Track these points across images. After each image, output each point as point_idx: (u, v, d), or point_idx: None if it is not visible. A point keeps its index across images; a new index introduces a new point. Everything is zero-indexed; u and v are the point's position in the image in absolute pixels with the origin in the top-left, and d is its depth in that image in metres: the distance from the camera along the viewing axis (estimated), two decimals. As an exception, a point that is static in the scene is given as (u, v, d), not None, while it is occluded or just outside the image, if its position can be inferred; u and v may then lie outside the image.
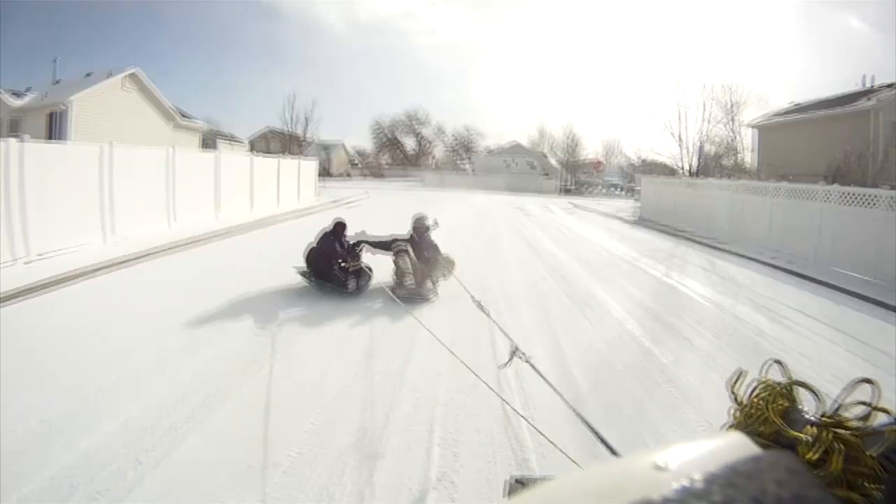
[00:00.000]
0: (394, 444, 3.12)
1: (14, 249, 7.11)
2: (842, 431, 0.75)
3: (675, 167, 28.87)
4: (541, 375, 2.98)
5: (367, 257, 6.91)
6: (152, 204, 10.35)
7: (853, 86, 23.69)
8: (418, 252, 6.64)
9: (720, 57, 61.14)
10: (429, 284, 6.44)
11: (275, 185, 15.89)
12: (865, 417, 0.76)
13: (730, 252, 11.72)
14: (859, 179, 18.42)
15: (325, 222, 7.09)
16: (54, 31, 54.15)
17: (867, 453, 0.73)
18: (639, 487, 0.27)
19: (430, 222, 7.23)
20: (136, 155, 10.07)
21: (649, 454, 0.31)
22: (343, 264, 6.41)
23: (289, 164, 17.73)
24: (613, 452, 1.68)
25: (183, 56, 59.65)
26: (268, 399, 3.60)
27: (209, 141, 24.92)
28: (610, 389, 4.03)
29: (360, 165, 55.47)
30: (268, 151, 26.02)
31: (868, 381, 0.78)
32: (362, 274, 6.56)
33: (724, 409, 0.92)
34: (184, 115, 22.21)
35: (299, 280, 6.68)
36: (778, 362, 0.92)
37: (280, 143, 45.82)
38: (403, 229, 7.24)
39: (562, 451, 2.45)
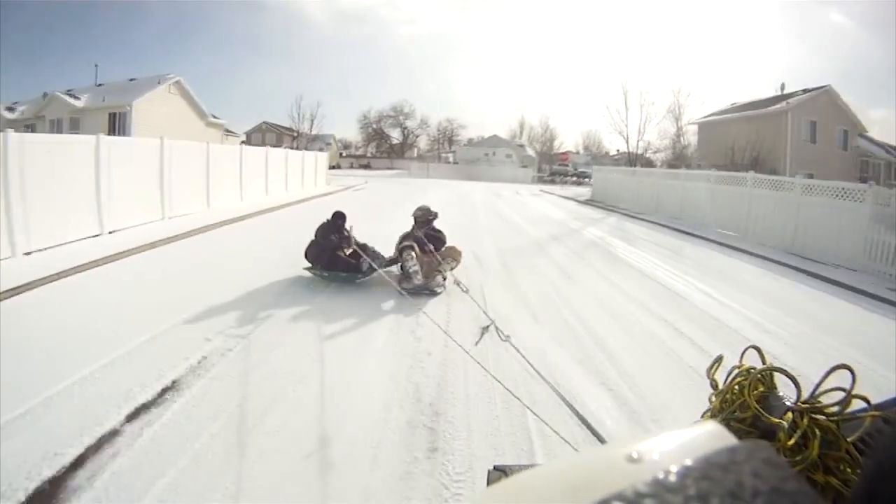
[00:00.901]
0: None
1: (102, 225, 8.78)
2: (819, 417, 0.76)
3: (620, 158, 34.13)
4: (524, 357, 3.38)
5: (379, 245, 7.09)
6: (197, 188, 12.34)
7: (772, 90, 28.24)
8: (422, 245, 6.57)
9: (681, 59, 66.00)
10: (438, 278, 6.28)
11: (300, 173, 19.76)
12: (843, 403, 0.77)
13: (639, 218, 15.99)
14: (772, 168, 22.96)
15: (341, 201, 10.37)
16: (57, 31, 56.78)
17: (845, 439, 0.75)
18: (611, 480, 0.27)
19: (432, 214, 7.14)
20: (184, 148, 11.99)
21: (623, 445, 0.31)
22: (345, 252, 6.45)
23: (310, 156, 21.67)
24: (598, 438, 1.84)
25: (171, 50, 61.69)
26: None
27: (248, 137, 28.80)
28: (516, 252, 8.14)
29: (345, 156, 59.00)
30: (262, 144, 29.68)
31: (846, 367, 0.79)
32: (362, 259, 6.44)
33: (557, 257, 3.95)
34: (213, 116, 26.00)
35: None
36: (756, 349, 0.94)
37: (275, 136, 49.59)
38: (402, 204, 10.61)
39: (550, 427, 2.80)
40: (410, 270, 6.07)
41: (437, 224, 7.17)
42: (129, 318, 4.77)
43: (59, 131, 20.07)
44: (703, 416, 0.92)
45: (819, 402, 0.79)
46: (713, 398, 0.93)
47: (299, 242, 6.82)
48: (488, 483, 0.92)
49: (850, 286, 8.05)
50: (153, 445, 2.83)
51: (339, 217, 6.77)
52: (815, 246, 10.35)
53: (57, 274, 6.21)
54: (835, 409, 0.77)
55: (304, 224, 7.80)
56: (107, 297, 5.56)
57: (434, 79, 75.16)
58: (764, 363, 0.89)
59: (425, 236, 6.71)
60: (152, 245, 8.48)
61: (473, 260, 7.79)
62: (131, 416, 3.11)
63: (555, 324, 5.26)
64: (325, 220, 6.75)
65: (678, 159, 31.05)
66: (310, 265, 6.48)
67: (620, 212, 17.88)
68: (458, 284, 5.84)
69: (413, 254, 6.20)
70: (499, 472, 0.91)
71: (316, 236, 6.58)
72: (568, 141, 58.37)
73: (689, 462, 0.27)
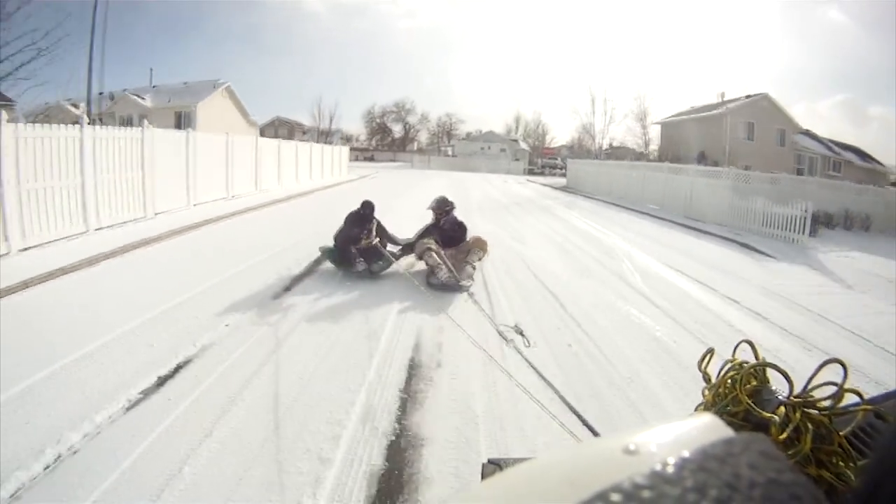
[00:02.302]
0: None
1: (189, 198, 11.14)
2: (812, 411, 0.78)
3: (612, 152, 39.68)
4: (533, 368, 3.67)
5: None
6: (248, 174, 14.88)
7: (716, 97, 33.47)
8: (444, 239, 6.41)
9: (658, 63, 71.17)
10: (468, 269, 6.12)
11: (329, 163, 24.66)
12: (835, 398, 0.78)
13: (592, 198, 21.15)
14: (714, 161, 28.02)
15: (362, 186, 14.81)
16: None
17: (837, 433, 0.76)
18: (608, 472, 0.27)
19: (449, 205, 6.98)
20: (241, 141, 14.58)
21: (619, 437, 0.31)
22: (359, 245, 6.29)
23: (333, 149, 26.64)
24: (593, 431, 1.92)
25: (174, 48, 65.07)
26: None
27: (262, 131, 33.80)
28: (492, 209, 13.24)
29: (350, 149, 64.21)
30: (276, 137, 34.45)
31: (839, 362, 0.80)
32: (375, 255, 6.32)
33: (515, 211, 8.54)
34: (251, 115, 31.16)
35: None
36: (749, 343, 0.95)
37: (287, 130, 54.48)
38: (412, 189, 15.52)
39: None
40: (436, 271, 5.91)
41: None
42: (262, 243, 9.75)
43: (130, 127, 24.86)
44: (695, 410, 0.97)
45: (811, 396, 0.81)
46: (706, 392, 0.94)
47: (336, 213, 7.85)
48: (483, 477, 0.91)
49: (709, 232, 13.09)
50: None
51: (366, 207, 6.70)
52: (700, 211, 15.41)
53: (186, 227, 9.28)
54: (827, 403, 0.78)
55: (338, 203, 11.92)
56: (234, 237, 10.42)
57: (434, 74, 79.23)
58: (757, 358, 0.90)
59: (447, 231, 6.62)
60: (233, 214, 11.34)
61: (465, 212, 12.83)
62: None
63: (505, 229, 10.40)
64: (353, 210, 6.72)
65: (642, 155, 36.20)
66: (327, 248, 6.53)
67: (582, 194, 23.01)
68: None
69: (433, 254, 6.04)
70: (493, 466, 0.91)
71: (344, 223, 6.58)
72: (562, 135, 63.50)
73: (686, 454, 0.28)
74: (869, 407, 0.79)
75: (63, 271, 5.83)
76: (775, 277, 8.36)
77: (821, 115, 53.66)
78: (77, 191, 7.63)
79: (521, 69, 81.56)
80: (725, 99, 32.00)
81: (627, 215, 15.75)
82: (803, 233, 12.09)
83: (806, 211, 12.15)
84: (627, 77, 78.22)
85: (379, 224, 6.80)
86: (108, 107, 27.38)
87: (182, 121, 25.06)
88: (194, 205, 11.53)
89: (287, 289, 5.82)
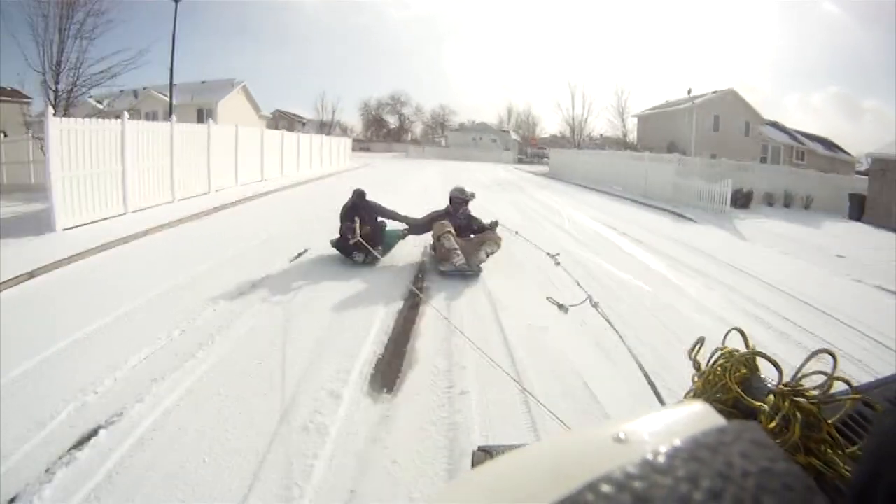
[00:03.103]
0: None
1: (210, 184, 12.34)
2: (801, 400, 0.79)
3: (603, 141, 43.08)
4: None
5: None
6: (275, 162, 17.48)
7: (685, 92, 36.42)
8: (458, 227, 6.46)
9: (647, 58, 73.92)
10: (482, 255, 6.17)
11: (335, 153, 27.34)
12: (824, 387, 0.79)
13: (569, 183, 23.99)
14: (682, 150, 30.92)
15: (365, 173, 17.84)
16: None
17: (826, 421, 0.77)
18: (598, 461, 0.27)
19: (467, 195, 7.06)
20: (269, 134, 17.35)
21: (609, 425, 0.31)
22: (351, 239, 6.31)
23: (338, 140, 29.35)
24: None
25: (179, 42, 66.52)
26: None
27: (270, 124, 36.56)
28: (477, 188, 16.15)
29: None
30: (276, 129, 37.23)
31: (828, 352, 0.81)
32: (372, 243, 6.41)
33: (496, 190, 11.23)
34: (260, 108, 33.87)
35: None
36: (740, 332, 0.96)
37: (287, 122, 57.01)
38: (410, 175, 18.95)
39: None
40: (451, 256, 5.99)
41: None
42: (298, 210, 12.59)
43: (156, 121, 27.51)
44: (685, 397, 0.98)
45: (800, 385, 0.82)
46: (695, 379, 0.95)
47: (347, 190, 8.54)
48: (473, 464, 0.91)
49: (653, 206, 15.95)
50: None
51: (357, 196, 6.79)
52: (654, 191, 18.28)
53: (242, 199, 13.88)
54: (816, 392, 0.79)
55: (345, 184, 15.40)
56: (282, 207, 13.39)
57: (428, 65, 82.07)
58: (748, 347, 0.91)
59: (461, 219, 6.74)
60: (273, 191, 14.66)
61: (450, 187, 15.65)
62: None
63: (484, 199, 13.27)
64: (347, 201, 6.80)
65: (625, 145, 39.14)
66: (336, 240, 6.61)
67: (560, 179, 25.87)
68: None
69: (451, 237, 6.12)
70: (483, 453, 0.90)
71: (340, 217, 6.71)
72: (552, 126, 66.11)
73: (677, 442, 0.27)
74: (857, 396, 0.81)
75: (137, 236, 8.65)
76: (683, 231, 11.32)
77: (815, 107, 56.50)
78: (118, 177, 8.90)
79: (512, 62, 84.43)
80: (693, 94, 34.93)
81: (590, 194, 18.66)
82: (726, 204, 15.03)
83: (727, 187, 15.11)
84: (611, 73, 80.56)
85: (372, 205, 6.90)
86: (132, 103, 29.85)
87: (204, 116, 27.64)
88: (241, 185, 14.21)
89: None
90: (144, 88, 29.67)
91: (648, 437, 0.29)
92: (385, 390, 3.32)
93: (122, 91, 30.30)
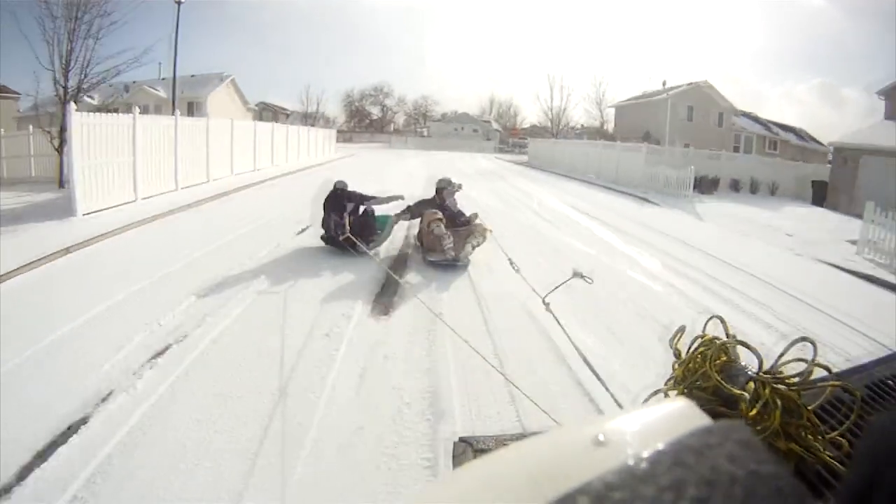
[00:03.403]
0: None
1: (208, 174, 13.18)
2: (781, 387, 0.79)
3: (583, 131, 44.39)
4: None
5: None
6: (266, 153, 18.35)
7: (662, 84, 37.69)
8: (446, 218, 6.43)
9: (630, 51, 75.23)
10: (468, 248, 6.14)
11: (321, 144, 28.11)
12: (804, 373, 0.80)
13: (546, 171, 25.10)
14: (657, 140, 32.18)
15: (350, 163, 19.27)
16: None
17: (806, 407, 0.78)
18: (577, 468, 0.26)
19: (454, 186, 7.10)
20: (262, 127, 18.48)
21: (588, 425, 0.30)
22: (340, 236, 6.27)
23: (323, 132, 30.12)
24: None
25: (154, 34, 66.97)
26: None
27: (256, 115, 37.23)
28: (461, 177, 17.19)
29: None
30: (261, 120, 38.12)
31: (807, 339, 0.83)
32: (365, 234, 6.47)
33: (476, 177, 12.45)
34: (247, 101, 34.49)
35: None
36: (720, 319, 0.97)
37: (272, 114, 57.48)
38: (394, 164, 20.49)
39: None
40: (442, 241, 6.01)
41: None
42: (294, 196, 13.54)
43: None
44: (665, 384, 0.98)
45: (780, 371, 0.83)
46: (675, 366, 0.95)
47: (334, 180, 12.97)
48: (454, 455, 0.92)
49: (622, 191, 17.11)
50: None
51: (340, 187, 6.77)
52: (624, 179, 19.42)
53: (239, 188, 14.83)
54: (795, 378, 0.80)
55: (334, 174, 16.49)
56: (279, 194, 14.29)
57: (411, 55, 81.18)
58: (727, 334, 0.92)
59: (449, 209, 6.72)
60: (268, 180, 16.88)
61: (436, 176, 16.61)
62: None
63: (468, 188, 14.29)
64: (329, 193, 6.70)
65: (605, 135, 40.37)
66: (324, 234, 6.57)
67: (538, 168, 26.95)
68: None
69: (441, 224, 6.16)
70: (464, 444, 0.90)
71: (324, 210, 6.60)
72: (533, 117, 67.16)
73: (660, 446, 0.26)
74: (837, 382, 0.82)
75: (155, 217, 9.56)
76: (643, 212, 12.48)
77: (798, 98, 57.99)
78: (130, 167, 9.70)
79: (494, 52, 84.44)
80: (668, 86, 36.16)
81: (564, 181, 19.80)
82: (689, 190, 16.22)
83: (690, 174, 16.30)
84: (591, 64, 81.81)
85: (353, 195, 6.88)
86: (124, 97, 30.25)
87: (194, 109, 28.23)
88: (236, 174, 15.11)
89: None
90: (134, 83, 30.07)
91: (629, 439, 0.28)
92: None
93: (111, 85, 30.73)
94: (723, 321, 0.98)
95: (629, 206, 13.99)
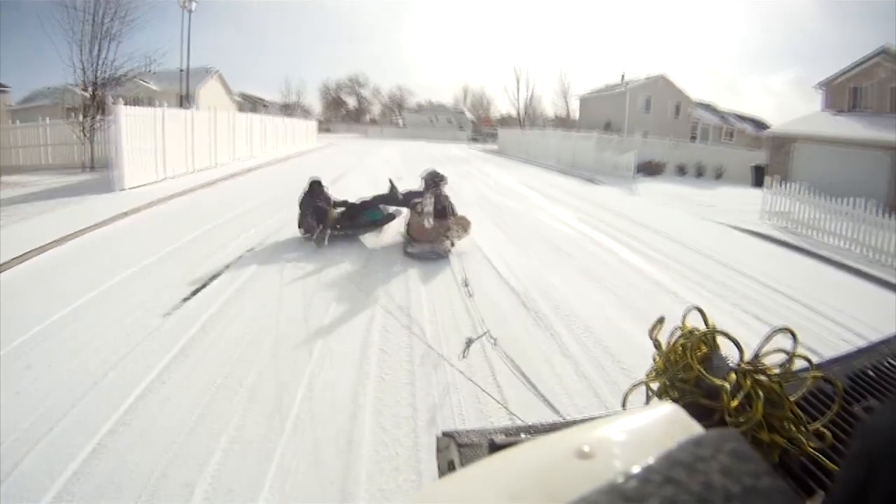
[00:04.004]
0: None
1: (215, 159, 15.60)
2: (762, 378, 0.79)
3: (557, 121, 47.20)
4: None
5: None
6: (257, 142, 21.46)
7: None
8: (438, 206, 6.65)
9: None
10: (447, 244, 6.39)
11: (299, 135, 30.06)
12: (785, 364, 0.81)
13: (512, 158, 27.64)
14: (618, 129, 34.83)
15: (331, 151, 21.86)
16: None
17: (788, 398, 0.78)
18: (561, 483, 0.25)
19: (440, 178, 7.27)
20: (256, 118, 21.70)
21: (572, 434, 0.28)
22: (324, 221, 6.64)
23: (305, 123, 32.07)
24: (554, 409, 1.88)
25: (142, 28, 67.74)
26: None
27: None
28: (429, 161, 19.45)
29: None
30: (240, 111, 40.27)
31: (788, 330, 0.84)
32: (358, 220, 6.95)
33: (445, 162, 14.91)
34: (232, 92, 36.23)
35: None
36: (699, 310, 0.97)
37: (251, 105, 58.77)
38: (372, 153, 23.76)
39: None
40: (425, 210, 6.30)
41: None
42: (293, 176, 15.71)
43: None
44: (647, 376, 0.97)
45: (761, 363, 0.83)
46: (656, 358, 0.95)
47: (323, 162, 15.33)
48: (438, 449, 0.90)
49: (573, 174, 19.58)
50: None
51: (315, 185, 7.15)
52: (579, 163, 21.91)
53: (243, 171, 16.91)
54: (777, 369, 0.81)
55: (321, 159, 18.55)
56: (280, 175, 16.45)
57: (386, 45, 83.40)
58: (707, 325, 0.92)
59: (438, 204, 6.82)
60: (266, 165, 19.00)
61: (410, 163, 18.86)
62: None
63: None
64: (304, 192, 7.02)
65: (567, 124, 43.02)
66: (308, 234, 6.70)
67: (505, 155, 29.42)
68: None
69: (431, 201, 6.50)
70: (448, 439, 0.88)
71: (301, 208, 6.87)
72: (505, 107, 69.72)
73: (649, 461, 0.25)
74: (818, 373, 0.82)
75: (188, 191, 11.76)
76: (585, 189, 15.00)
77: (773, 90, 60.91)
78: (160, 152, 11.87)
79: (467, 43, 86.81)
80: (627, 79, 38.88)
81: (525, 166, 22.29)
82: (631, 172, 18.81)
83: (632, 158, 18.90)
84: (559, 56, 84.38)
85: (327, 196, 7.24)
86: (117, 91, 31.66)
87: (183, 103, 29.90)
88: (238, 159, 17.25)
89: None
90: (125, 76, 31.55)
91: (616, 451, 0.27)
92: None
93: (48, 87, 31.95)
94: (702, 312, 0.97)
95: (574, 184, 16.50)
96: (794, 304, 5.51)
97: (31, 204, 8.92)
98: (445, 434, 0.89)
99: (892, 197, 15.15)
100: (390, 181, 7.64)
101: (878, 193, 13.53)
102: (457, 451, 0.81)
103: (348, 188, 10.82)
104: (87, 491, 2.37)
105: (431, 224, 6.35)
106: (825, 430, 0.80)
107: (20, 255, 5.82)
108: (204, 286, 5.05)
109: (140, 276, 5.30)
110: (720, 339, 0.90)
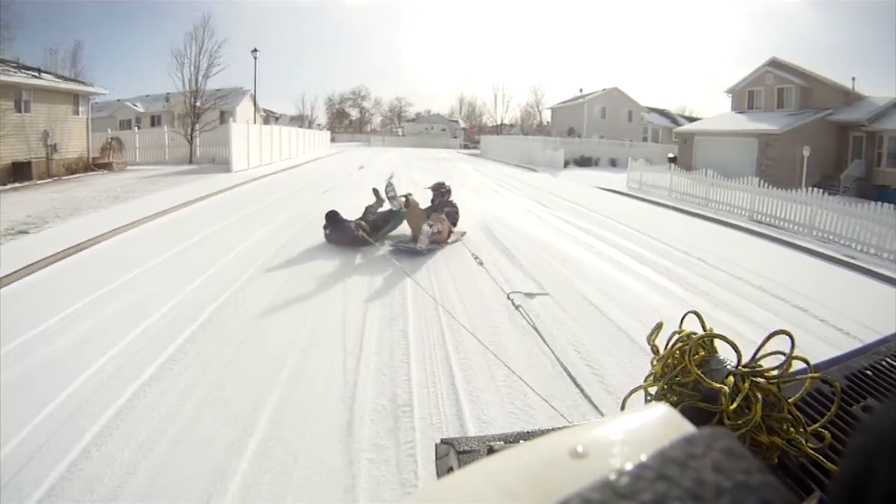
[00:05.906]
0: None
1: (272, 157, 24.89)
2: (760, 380, 0.80)
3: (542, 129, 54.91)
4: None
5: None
6: (287, 149, 29.60)
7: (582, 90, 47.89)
8: (441, 212, 7.90)
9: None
10: (425, 240, 6.96)
11: (318, 143, 37.50)
12: (783, 366, 0.81)
13: (490, 160, 34.88)
14: (578, 134, 42.11)
15: (342, 157, 29.35)
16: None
17: (786, 400, 0.78)
18: (555, 481, 0.26)
19: (445, 188, 8.58)
20: (286, 130, 29.88)
21: (566, 435, 0.29)
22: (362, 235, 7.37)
23: (321, 133, 39.54)
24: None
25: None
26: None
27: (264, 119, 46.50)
28: (418, 160, 26.78)
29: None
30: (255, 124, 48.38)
31: (785, 332, 0.83)
32: (378, 228, 7.74)
33: (431, 162, 21.93)
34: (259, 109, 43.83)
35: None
36: (696, 314, 0.97)
37: (264, 117, 66.26)
38: (377, 158, 33.89)
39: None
40: (434, 228, 7.06)
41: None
42: (329, 170, 22.98)
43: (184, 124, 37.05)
44: (645, 381, 0.97)
45: (759, 365, 0.83)
46: (654, 363, 0.95)
47: (346, 161, 23.73)
48: (437, 456, 0.90)
49: (524, 167, 26.70)
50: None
51: (332, 215, 7.76)
52: (533, 160, 29.03)
53: (294, 166, 24.23)
54: (775, 371, 0.81)
55: (341, 160, 26.35)
56: (321, 170, 23.77)
57: (385, 54, 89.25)
58: (704, 328, 0.92)
59: (438, 209, 8.04)
60: (306, 163, 26.25)
61: (406, 165, 26.09)
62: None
63: (421, 168, 23.93)
64: (324, 228, 7.80)
65: (540, 131, 50.64)
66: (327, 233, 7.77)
67: (485, 158, 36.53)
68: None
69: (443, 230, 7.32)
70: (447, 446, 0.88)
71: (334, 238, 7.62)
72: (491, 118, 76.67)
73: (641, 458, 0.25)
74: (816, 374, 0.82)
75: (274, 174, 19.19)
76: (522, 174, 22.32)
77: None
78: (254, 150, 20.24)
79: (464, 54, 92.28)
80: (585, 92, 46.36)
81: (491, 163, 29.57)
82: (560, 163, 26.14)
83: (561, 154, 26.28)
84: (536, 69, 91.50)
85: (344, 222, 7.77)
86: (160, 107, 38.99)
87: (224, 117, 37.31)
88: (275, 161, 24.61)
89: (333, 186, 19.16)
90: (118, 100, 38.46)
91: (609, 450, 0.28)
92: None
93: (96, 102, 39.01)
94: (699, 316, 0.98)
95: (517, 172, 23.72)
96: (604, 218, 12.72)
97: (183, 176, 16.28)
98: (444, 441, 0.90)
99: (758, 170, 21.51)
100: (374, 190, 8.63)
101: (751, 170, 20.47)
102: (456, 457, 0.83)
103: (369, 176, 17.96)
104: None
105: (438, 230, 7.22)
106: (824, 431, 0.80)
107: (212, 193, 13.00)
108: (326, 192, 12.25)
109: (294, 196, 12.47)
110: (718, 343, 0.91)
